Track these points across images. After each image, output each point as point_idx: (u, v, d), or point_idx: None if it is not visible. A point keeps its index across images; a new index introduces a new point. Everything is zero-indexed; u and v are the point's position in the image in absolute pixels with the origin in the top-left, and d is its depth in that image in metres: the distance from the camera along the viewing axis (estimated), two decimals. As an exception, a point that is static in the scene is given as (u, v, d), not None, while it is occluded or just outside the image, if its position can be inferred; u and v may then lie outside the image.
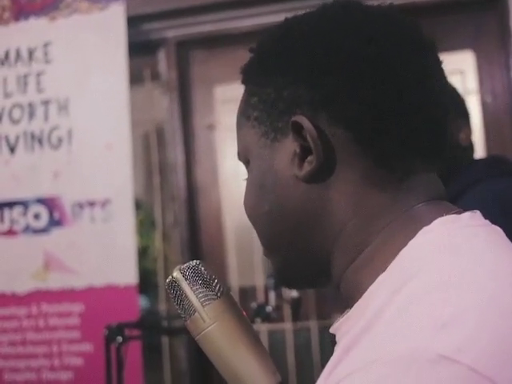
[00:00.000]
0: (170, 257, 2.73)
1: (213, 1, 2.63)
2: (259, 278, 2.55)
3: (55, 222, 2.43)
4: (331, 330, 0.68)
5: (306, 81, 0.65)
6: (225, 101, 2.64)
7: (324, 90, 0.64)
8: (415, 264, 0.58)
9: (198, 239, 2.69)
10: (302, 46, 0.66)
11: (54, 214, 2.43)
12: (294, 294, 1.69)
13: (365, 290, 0.62)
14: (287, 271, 0.72)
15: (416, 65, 0.66)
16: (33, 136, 2.48)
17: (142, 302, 2.67)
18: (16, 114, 2.52)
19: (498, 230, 0.65)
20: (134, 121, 2.43)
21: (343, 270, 0.67)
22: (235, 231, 2.65)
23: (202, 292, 0.72)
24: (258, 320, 1.63)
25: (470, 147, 1.68)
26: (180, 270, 0.73)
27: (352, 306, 0.64)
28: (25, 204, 2.46)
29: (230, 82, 2.48)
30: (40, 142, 2.47)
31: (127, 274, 2.32)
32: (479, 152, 2.15)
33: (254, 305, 1.66)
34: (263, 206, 0.70)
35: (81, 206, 2.40)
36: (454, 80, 1.80)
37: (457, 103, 1.65)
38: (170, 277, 0.73)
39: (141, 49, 2.60)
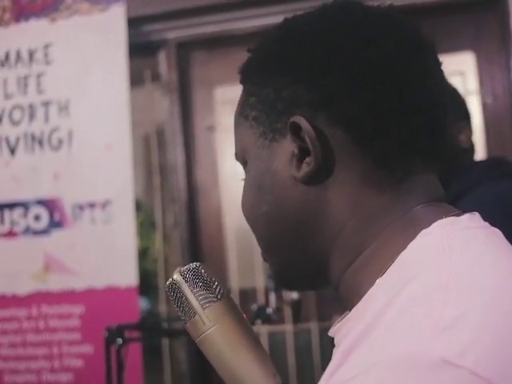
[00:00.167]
0: (171, 258, 2.73)
1: (213, 2, 2.63)
2: (259, 279, 2.54)
3: (55, 224, 2.43)
4: (330, 333, 0.67)
5: (306, 81, 0.65)
6: (225, 102, 2.64)
7: (323, 91, 0.64)
8: (414, 266, 0.58)
9: (198, 240, 2.69)
10: (301, 47, 0.66)
11: (55, 215, 2.43)
12: (295, 295, 1.69)
13: (364, 292, 0.61)
14: (286, 273, 0.72)
15: (416, 65, 0.65)
16: (33, 137, 2.48)
17: (143, 303, 2.66)
18: (16, 115, 2.52)
19: (497, 232, 0.65)
20: (134, 122, 2.43)
21: (342, 271, 0.66)
22: (235, 232, 2.65)
23: (203, 294, 0.72)
24: (259, 322, 1.63)
25: (471, 149, 1.68)
26: (180, 272, 0.73)
27: (351, 308, 0.63)
28: (25, 205, 2.46)
29: (230, 83, 2.48)
30: (40, 143, 2.47)
31: (127, 276, 2.32)
32: (479, 153, 2.15)
33: (254, 306, 1.66)
34: (261, 206, 0.69)
35: (81, 207, 2.40)
36: (455, 81, 1.79)
37: (457, 104, 1.64)
38: (171, 279, 0.73)
39: (141, 50, 2.60)
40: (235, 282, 2.65)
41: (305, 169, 0.65)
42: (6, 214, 2.48)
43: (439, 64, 0.69)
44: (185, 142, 2.69)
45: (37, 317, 2.41)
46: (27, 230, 2.46)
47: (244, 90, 0.73)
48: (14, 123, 2.51)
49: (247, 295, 2.59)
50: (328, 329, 0.68)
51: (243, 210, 0.72)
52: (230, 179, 2.65)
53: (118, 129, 2.39)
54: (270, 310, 1.64)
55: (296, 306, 1.72)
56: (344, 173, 0.64)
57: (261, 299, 2.48)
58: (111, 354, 1.52)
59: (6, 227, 2.48)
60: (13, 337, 2.43)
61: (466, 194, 1.50)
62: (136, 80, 2.61)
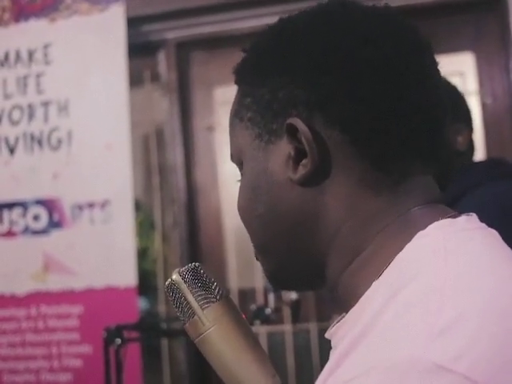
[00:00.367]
0: (170, 258, 2.73)
1: (213, 2, 2.63)
2: (259, 279, 2.54)
3: (55, 224, 2.43)
4: (327, 336, 0.67)
5: (302, 82, 0.64)
6: (224, 102, 2.64)
7: (320, 91, 0.63)
8: (411, 269, 0.57)
9: (197, 240, 2.69)
10: (297, 46, 0.65)
11: (54, 215, 2.43)
12: (294, 296, 1.69)
13: (361, 294, 0.61)
14: (280, 273, 0.72)
15: (414, 65, 0.65)
16: (32, 137, 2.48)
17: (142, 303, 2.66)
18: (16, 115, 2.52)
19: (494, 233, 0.64)
20: (133, 122, 2.43)
21: (339, 273, 0.66)
22: (235, 233, 2.65)
23: (202, 295, 0.71)
24: (258, 322, 1.63)
25: (469, 151, 1.67)
26: (179, 272, 0.73)
27: (348, 310, 0.63)
28: (24, 205, 2.46)
29: (229, 83, 2.46)
30: (40, 143, 2.47)
31: (126, 276, 2.32)
32: (479, 154, 2.15)
33: (253, 307, 1.66)
34: (257, 208, 0.68)
35: (80, 207, 2.40)
36: (454, 81, 1.79)
37: (456, 106, 1.64)
38: (170, 280, 0.73)
39: (140, 50, 2.60)
40: (234, 283, 2.65)
41: (301, 171, 0.64)
42: (5, 213, 2.48)
43: (437, 64, 0.69)
44: (184, 142, 2.69)
45: (36, 317, 2.41)
46: (26, 230, 2.46)
47: (239, 91, 0.72)
48: (14, 123, 2.51)
49: (246, 295, 2.58)
50: (327, 329, 0.68)
51: (239, 211, 0.72)
52: (229, 179, 2.65)
53: (118, 129, 2.39)
54: (268, 311, 1.64)
55: (295, 307, 1.72)
56: (341, 174, 0.64)
57: (260, 299, 2.48)
58: (110, 354, 1.52)
59: (5, 227, 2.48)
60: (12, 337, 2.43)
61: (466, 195, 1.50)
62: (135, 80, 2.61)
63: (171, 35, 2.71)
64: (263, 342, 2.52)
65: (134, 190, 2.41)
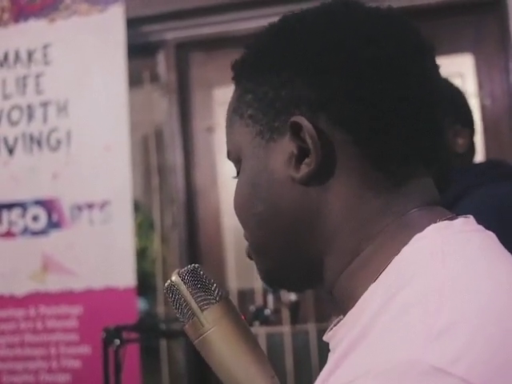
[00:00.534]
0: (169, 259, 2.73)
1: (212, 3, 2.63)
2: (258, 280, 2.53)
3: (54, 224, 2.43)
4: (325, 339, 0.67)
5: (306, 80, 0.64)
6: (224, 103, 2.62)
7: (324, 90, 0.63)
8: (408, 271, 0.57)
9: (196, 241, 2.69)
10: (301, 45, 0.65)
11: (53, 215, 2.43)
12: (293, 297, 1.69)
13: (358, 296, 0.61)
14: (276, 273, 0.71)
15: (416, 66, 0.65)
16: (32, 137, 2.48)
17: (141, 304, 2.66)
18: (15, 115, 2.52)
19: (491, 236, 0.64)
20: (133, 123, 2.43)
21: (337, 274, 0.66)
22: (234, 233, 2.65)
23: (201, 296, 0.71)
24: (257, 323, 1.63)
25: (470, 152, 1.67)
26: (179, 274, 0.73)
27: (345, 312, 0.63)
28: (23, 206, 2.46)
29: (229, 84, 2.46)
30: (39, 143, 2.47)
31: (126, 276, 2.32)
32: (478, 155, 2.15)
33: (252, 308, 1.66)
34: (256, 206, 0.68)
35: (79, 207, 2.40)
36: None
37: (458, 107, 1.63)
38: (169, 281, 0.73)
39: (140, 51, 2.60)
40: (233, 283, 2.65)
41: (304, 170, 0.64)
42: (4, 214, 2.48)
43: (438, 67, 0.69)
44: (183, 143, 2.69)
45: (35, 317, 2.41)
46: (25, 231, 2.46)
47: (238, 87, 0.71)
48: (13, 123, 2.51)
49: (245, 296, 2.58)
50: (326, 330, 0.68)
51: (235, 209, 0.71)
52: (228, 180, 2.64)
53: (117, 129, 2.39)
54: (268, 312, 1.64)
55: (294, 308, 1.72)
56: (343, 175, 0.64)
57: (259, 300, 2.48)
58: (109, 355, 1.52)
59: (4, 227, 2.48)
60: (10, 337, 2.43)
61: (465, 196, 1.50)
62: (135, 81, 2.61)
63: (171, 36, 2.72)
64: (262, 342, 2.51)
65: (134, 190, 2.41)
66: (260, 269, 0.72)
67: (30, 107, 2.50)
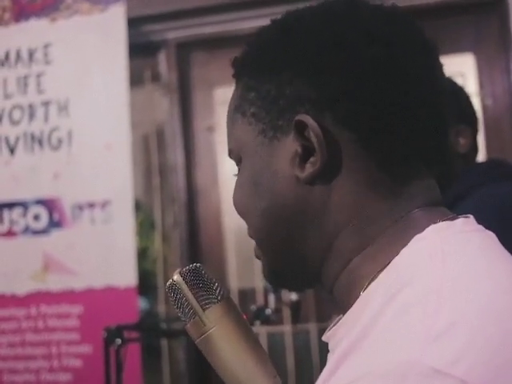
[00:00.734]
0: (170, 258, 2.73)
1: (213, 3, 2.64)
2: (259, 280, 2.54)
3: (55, 223, 2.43)
4: (324, 339, 0.67)
5: (311, 78, 0.63)
6: (225, 103, 2.62)
7: (329, 89, 0.62)
8: (408, 272, 0.57)
9: (197, 241, 2.69)
10: (305, 43, 0.64)
11: (54, 215, 2.43)
12: (294, 296, 1.69)
13: (358, 295, 0.61)
14: (280, 270, 0.71)
15: (420, 65, 0.65)
16: (33, 137, 2.48)
17: (142, 303, 2.66)
18: (16, 114, 2.52)
19: (491, 236, 0.64)
20: (133, 122, 2.43)
21: (337, 273, 0.66)
22: (235, 233, 2.65)
23: (203, 295, 0.71)
24: (258, 323, 1.63)
25: (473, 152, 1.66)
26: (180, 273, 0.73)
27: (344, 311, 0.63)
28: (24, 205, 2.46)
29: (230, 84, 2.46)
30: (40, 142, 2.47)
31: (127, 276, 2.32)
32: (479, 155, 2.15)
33: (253, 307, 1.65)
34: (259, 203, 0.68)
35: (80, 207, 2.40)
36: (455, 83, 1.80)
37: (461, 107, 1.62)
38: (171, 280, 0.73)
39: (141, 50, 2.60)
40: (234, 283, 2.65)
41: (309, 169, 0.63)
42: (6, 213, 2.48)
43: (441, 66, 0.69)
44: (184, 143, 2.69)
45: (36, 316, 2.41)
46: (26, 230, 2.46)
47: (240, 84, 0.70)
48: (14, 123, 2.51)
49: (246, 296, 2.59)
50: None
51: (235, 206, 0.71)
52: (229, 180, 2.64)
53: (118, 129, 2.39)
54: (269, 311, 1.64)
55: (295, 307, 1.72)
56: (347, 174, 0.63)
57: (260, 300, 2.48)
58: (110, 355, 1.52)
59: (5, 227, 2.48)
60: (12, 336, 2.43)
61: (466, 196, 1.50)
62: (136, 80, 2.61)
63: (172, 35, 2.72)
64: (263, 342, 2.51)
65: (135, 190, 2.41)
66: (265, 266, 0.72)
67: (31, 107, 2.50)
